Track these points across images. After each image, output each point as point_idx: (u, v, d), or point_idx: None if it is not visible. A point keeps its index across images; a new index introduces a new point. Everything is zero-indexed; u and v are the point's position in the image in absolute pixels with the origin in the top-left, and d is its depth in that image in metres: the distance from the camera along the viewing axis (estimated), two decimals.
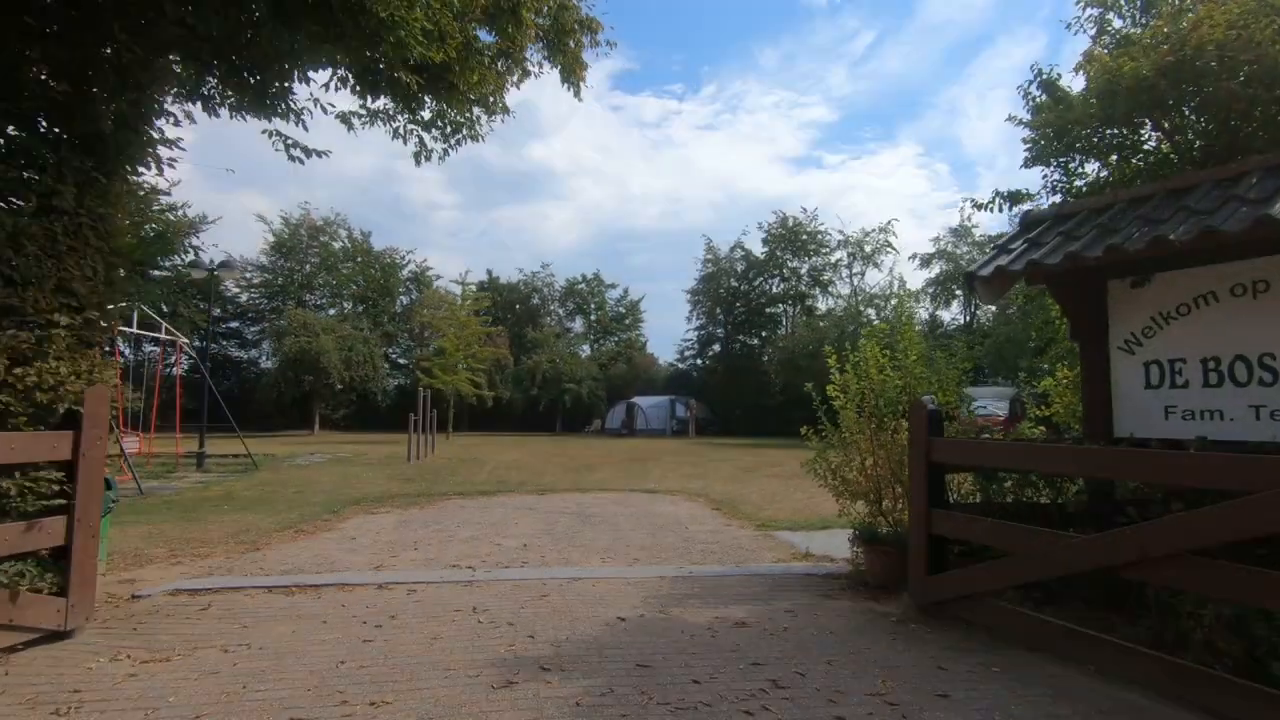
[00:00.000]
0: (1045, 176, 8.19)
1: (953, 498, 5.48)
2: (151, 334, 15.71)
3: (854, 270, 45.85)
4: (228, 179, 79.96)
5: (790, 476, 14.38)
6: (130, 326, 14.57)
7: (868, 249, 44.39)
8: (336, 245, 52.07)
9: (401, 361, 52.45)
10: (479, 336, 36.67)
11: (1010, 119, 8.23)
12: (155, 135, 4.88)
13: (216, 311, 47.64)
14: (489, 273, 58.76)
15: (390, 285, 53.87)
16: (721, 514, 10.04)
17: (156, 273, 43.81)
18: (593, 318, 56.08)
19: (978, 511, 4.97)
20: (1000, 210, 7.81)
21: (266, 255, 49.29)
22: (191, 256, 44.83)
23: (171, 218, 42.97)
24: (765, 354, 43.79)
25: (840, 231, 45.97)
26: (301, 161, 6.08)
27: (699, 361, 51.51)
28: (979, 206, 7.92)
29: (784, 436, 29.57)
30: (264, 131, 5.91)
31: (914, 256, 41.41)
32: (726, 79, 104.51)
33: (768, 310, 47.53)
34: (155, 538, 7.98)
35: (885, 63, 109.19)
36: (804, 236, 45.89)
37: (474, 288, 45.87)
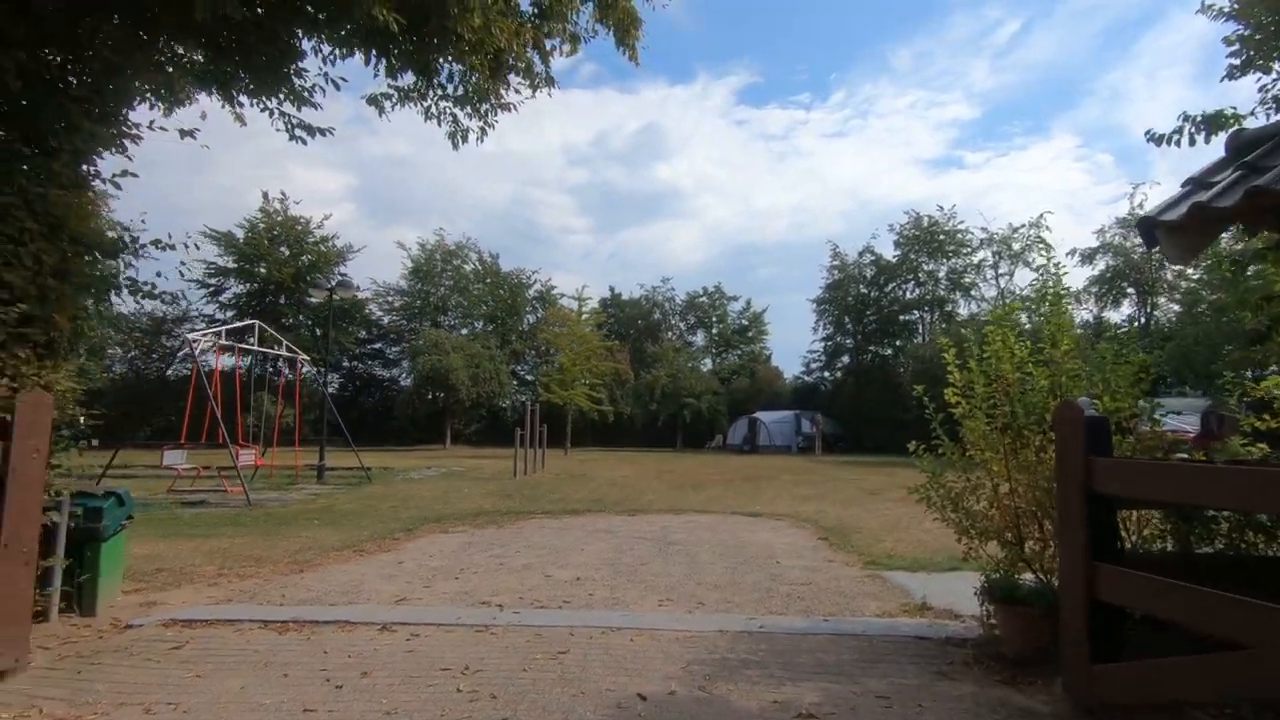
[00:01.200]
0: (1263, 88, 6.12)
1: (1130, 542, 3.84)
2: (272, 351, 16.47)
3: (1000, 271, 41.46)
4: (384, 215, 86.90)
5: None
6: (252, 342, 15.32)
7: (1016, 246, 39.96)
8: (468, 268, 54.59)
9: (529, 378, 53.85)
10: (596, 351, 36.54)
11: (1206, 9, 6.21)
12: (119, 114, 4.42)
13: (362, 334, 51.29)
14: (611, 290, 59.32)
15: (517, 304, 55.63)
16: (827, 545, 8.51)
17: (312, 299, 47.89)
18: (714, 331, 54.80)
19: (1173, 567, 3.33)
20: (1191, 143, 5.82)
21: (406, 280, 52.51)
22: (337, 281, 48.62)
23: (323, 248, 46.87)
24: (900, 364, 40.44)
25: (983, 229, 41.81)
26: (304, 141, 5.53)
27: (826, 374, 48.67)
28: (1160, 140, 5.95)
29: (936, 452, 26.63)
30: (264, 110, 5.40)
31: (1073, 252, 36.55)
32: (856, 84, 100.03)
33: (901, 318, 44.01)
34: (216, 554, 7.76)
35: (1033, 51, 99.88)
36: (941, 236, 42.12)
37: (593, 302, 46.00)
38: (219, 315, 45.86)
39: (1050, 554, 4.35)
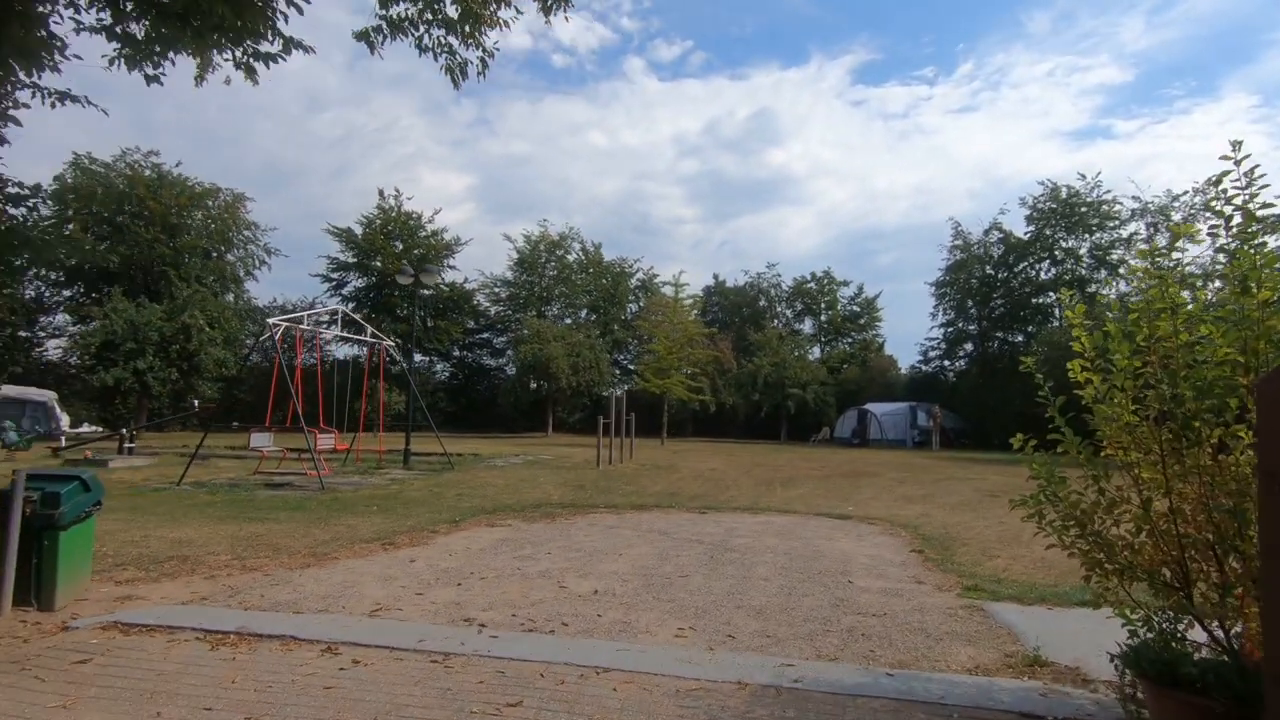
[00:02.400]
0: None
1: None
2: (355, 337, 16.58)
3: (1155, 246, 36.25)
4: (503, 213, 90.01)
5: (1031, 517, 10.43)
6: (336, 328, 15.45)
7: (1176, 216, 34.78)
8: (571, 258, 54.92)
9: (631, 367, 53.50)
10: (694, 338, 35.34)
11: None
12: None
13: (470, 324, 52.84)
14: (715, 277, 57.81)
15: (619, 293, 55.37)
16: (920, 560, 7.00)
17: (426, 291, 49.82)
18: (823, 318, 52.05)
19: None
20: None
21: (512, 271, 53.54)
22: (447, 273, 50.23)
23: (433, 241, 48.55)
24: (1033, 351, 36.40)
25: (1135, 198, 36.77)
26: (255, 81, 4.80)
27: (947, 363, 44.79)
28: None
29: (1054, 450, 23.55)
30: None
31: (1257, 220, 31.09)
32: (986, 53, 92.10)
33: (1034, 300, 39.62)
34: (243, 541, 7.38)
35: (1199, 2, 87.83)
36: (1083, 209, 37.43)
37: (691, 288, 44.69)
38: (340, 307, 48.71)
39: (1239, 607, 2.84)
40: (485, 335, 54.53)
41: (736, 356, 45.45)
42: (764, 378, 40.79)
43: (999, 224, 40.18)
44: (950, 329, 43.22)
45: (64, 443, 20.27)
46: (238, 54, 5.73)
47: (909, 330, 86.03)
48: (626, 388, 50.82)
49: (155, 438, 28.66)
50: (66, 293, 40.57)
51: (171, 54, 6.38)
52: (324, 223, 51.65)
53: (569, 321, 52.85)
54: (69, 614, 4.64)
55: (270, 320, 13.42)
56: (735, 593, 5.43)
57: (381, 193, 48.48)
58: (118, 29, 6.06)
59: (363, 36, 5.32)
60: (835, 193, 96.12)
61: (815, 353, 50.43)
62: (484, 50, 5.25)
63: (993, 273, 40.57)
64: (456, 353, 53.20)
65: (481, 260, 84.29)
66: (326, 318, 16.49)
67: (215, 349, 34.77)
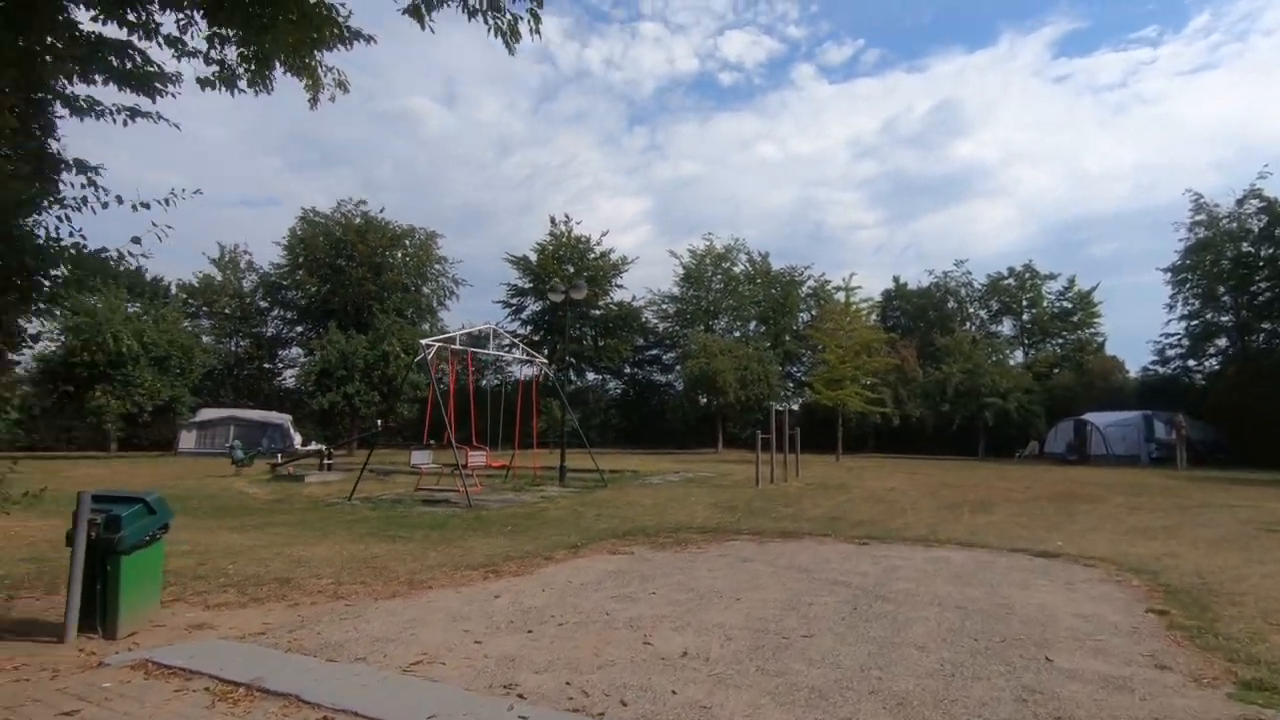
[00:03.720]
0: None
1: None
2: (509, 355, 16.79)
3: None
4: (676, 232, 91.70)
5: None
6: (487, 349, 15.73)
7: None
8: (737, 269, 53.74)
9: (805, 379, 50.92)
10: (869, 345, 32.50)
11: None
12: None
13: (639, 341, 53.42)
14: (895, 280, 53.49)
15: (789, 303, 53.13)
16: (1163, 627, 5.00)
17: (597, 312, 51.29)
18: (1025, 317, 45.96)
19: None
20: None
21: (678, 286, 53.49)
22: (616, 292, 51.29)
23: (600, 263, 49.85)
24: None
25: None
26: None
27: (1191, 363, 37.23)
28: None
29: None
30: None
31: None
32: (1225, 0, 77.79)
33: None
34: (353, 564, 7.17)
35: None
36: None
37: (864, 291, 41.37)
38: (520, 330, 51.56)
39: None
40: (655, 352, 54.86)
41: (922, 364, 41.39)
42: (955, 386, 36.53)
43: (1258, 190, 32.77)
44: (1195, 322, 35.95)
45: (280, 459, 22.82)
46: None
47: (1138, 328, 73.79)
48: (800, 401, 48.43)
49: (360, 455, 31.63)
50: (299, 328, 46.90)
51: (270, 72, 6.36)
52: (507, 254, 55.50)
53: (737, 335, 51.58)
54: (129, 642, 4.44)
55: (424, 341, 13.83)
56: (873, 667, 4.03)
57: (553, 220, 50.71)
58: (211, 53, 6.10)
59: (413, 12, 4.78)
60: (1035, 180, 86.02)
61: (1017, 356, 44.59)
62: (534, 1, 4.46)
63: (1252, 250, 33.15)
64: (628, 370, 54.05)
65: (657, 280, 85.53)
66: (483, 337, 16.86)
67: (411, 373, 38.12)
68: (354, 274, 42.75)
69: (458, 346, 14.70)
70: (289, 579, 6.42)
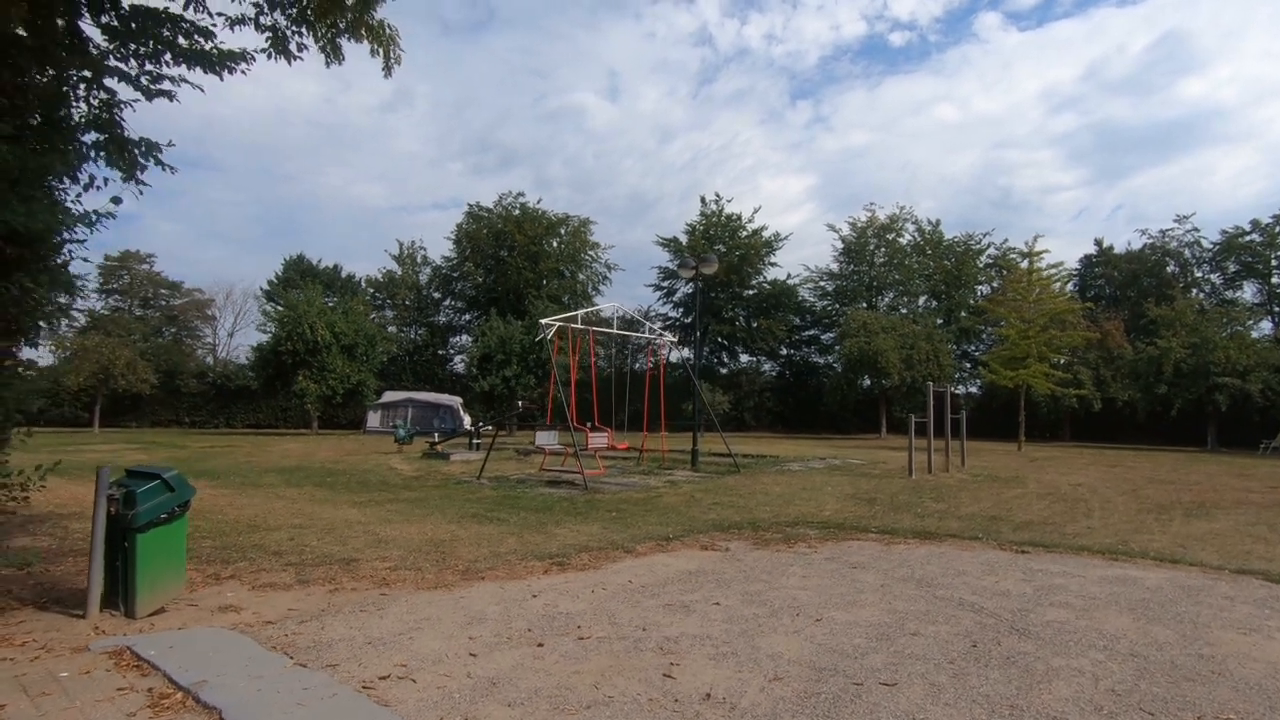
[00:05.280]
0: None
1: None
2: (633, 333, 16.19)
3: None
4: (844, 208, 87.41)
5: None
6: (611, 328, 15.25)
7: None
8: (904, 240, 49.46)
9: (984, 358, 45.84)
10: (1060, 317, 28.19)
11: None
12: None
13: (795, 320, 50.96)
14: (1097, 244, 46.43)
15: (965, 274, 48.03)
16: None
17: (749, 292, 49.65)
18: (1276, 280, 37.84)
19: None
20: None
21: (837, 261, 50.32)
22: (770, 270, 49.25)
23: (752, 241, 48.11)
24: None
25: None
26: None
27: None
28: None
29: None
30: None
31: None
32: None
33: None
34: (426, 546, 6.88)
35: None
36: None
37: (1050, 256, 35.96)
38: (671, 314, 51.26)
39: None
40: (813, 332, 52.13)
41: (1131, 339, 35.46)
42: (1175, 363, 30.76)
43: None
44: None
45: (437, 438, 24.22)
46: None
47: None
48: (979, 383, 43.58)
49: (521, 434, 32.90)
50: (467, 317, 50.15)
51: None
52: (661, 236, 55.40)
53: (904, 311, 47.52)
54: (147, 622, 4.29)
55: (543, 321, 13.61)
56: None
57: (703, 200, 49.70)
58: (260, 18, 5.93)
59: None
60: None
61: (1264, 328, 36.82)
62: None
63: None
64: (784, 351, 51.81)
65: (823, 260, 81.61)
66: (610, 315, 16.41)
67: (562, 355, 39.23)
68: (513, 263, 44.72)
69: (579, 326, 14.33)
70: (355, 560, 6.21)
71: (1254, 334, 34.01)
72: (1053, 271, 29.35)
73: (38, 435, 5.78)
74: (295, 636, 4.05)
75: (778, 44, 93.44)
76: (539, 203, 46.86)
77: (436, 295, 51.05)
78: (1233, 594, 5.47)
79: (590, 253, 48.29)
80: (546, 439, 14.65)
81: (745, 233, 48.69)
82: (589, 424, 14.57)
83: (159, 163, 5.45)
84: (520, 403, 27.80)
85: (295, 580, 5.45)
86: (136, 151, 5.39)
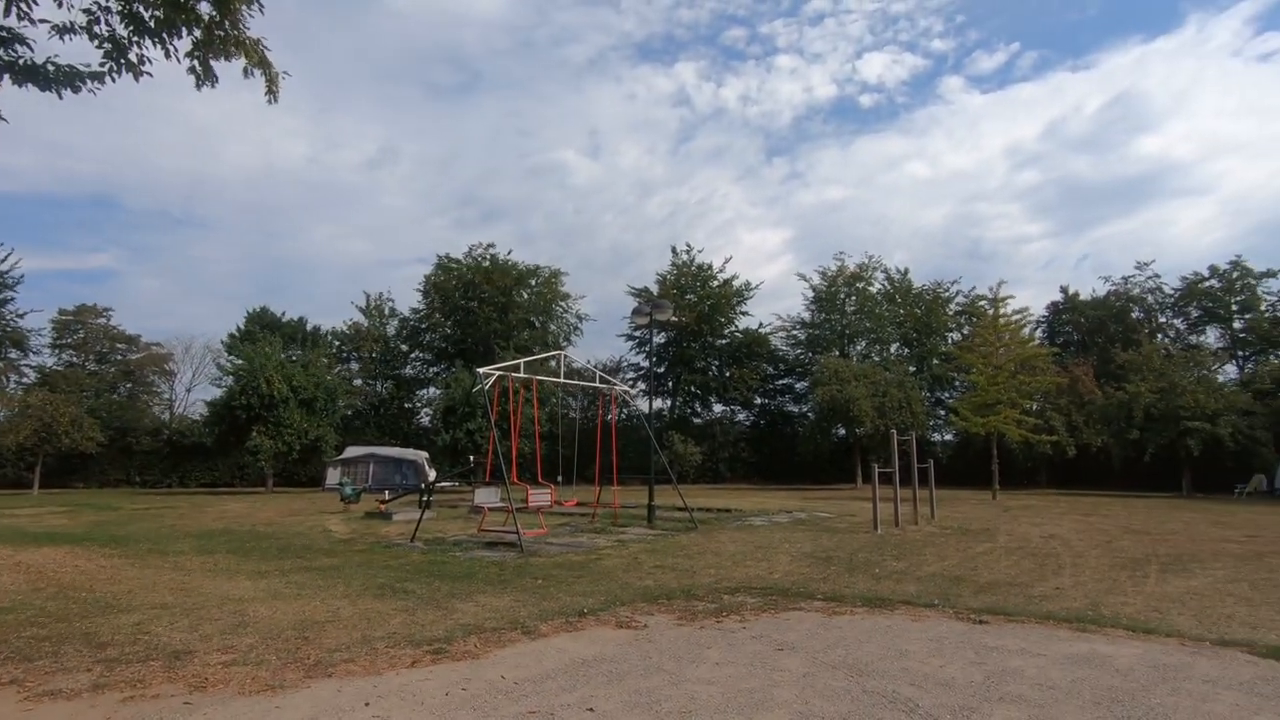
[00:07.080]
0: None
1: None
2: (586, 383, 15.41)
3: None
4: (820, 260, 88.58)
5: None
6: (558, 377, 14.46)
7: None
8: (874, 289, 49.61)
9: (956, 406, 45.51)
10: (1028, 362, 27.94)
11: None
12: None
13: (769, 369, 50.52)
14: (1063, 291, 46.90)
15: (935, 322, 48.14)
16: None
17: (721, 341, 49.27)
18: (1237, 325, 38.22)
19: None
20: None
21: (808, 310, 50.25)
22: (741, 320, 49.02)
23: (722, 291, 47.97)
24: None
25: None
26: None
27: None
28: None
29: None
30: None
31: None
32: None
33: None
34: (296, 628, 5.89)
35: None
36: None
37: (1015, 302, 36.01)
38: (644, 364, 50.56)
39: None
40: (786, 380, 51.65)
41: (1100, 384, 35.33)
42: (1144, 408, 30.53)
43: None
44: None
45: (387, 495, 22.95)
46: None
47: None
48: (953, 432, 43.11)
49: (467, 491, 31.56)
50: (434, 369, 49.04)
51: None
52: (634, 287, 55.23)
53: (876, 359, 47.29)
54: None
55: (480, 370, 12.79)
56: None
57: (674, 250, 49.69)
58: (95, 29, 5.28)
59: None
60: (1244, 172, 73.95)
61: (1229, 372, 36.98)
62: None
63: None
64: (758, 400, 51.16)
65: (799, 310, 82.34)
66: (557, 365, 15.65)
67: (528, 408, 38.16)
68: (482, 314, 44.00)
69: (520, 375, 13.52)
70: (189, 653, 5.21)
71: (1220, 378, 34.07)
72: (1018, 317, 29.27)
73: None
74: None
75: (753, 104, 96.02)
76: (510, 254, 46.54)
77: (404, 347, 49.99)
78: (1215, 675, 4.66)
79: (562, 304, 47.81)
80: (486, 497, 13.65)
81: (716, 282, 48.55)
82: (528, 480, 13.61)
83: None
84: (472, 458, 26.62)
85: (91, 684, 4.45)
86: None
